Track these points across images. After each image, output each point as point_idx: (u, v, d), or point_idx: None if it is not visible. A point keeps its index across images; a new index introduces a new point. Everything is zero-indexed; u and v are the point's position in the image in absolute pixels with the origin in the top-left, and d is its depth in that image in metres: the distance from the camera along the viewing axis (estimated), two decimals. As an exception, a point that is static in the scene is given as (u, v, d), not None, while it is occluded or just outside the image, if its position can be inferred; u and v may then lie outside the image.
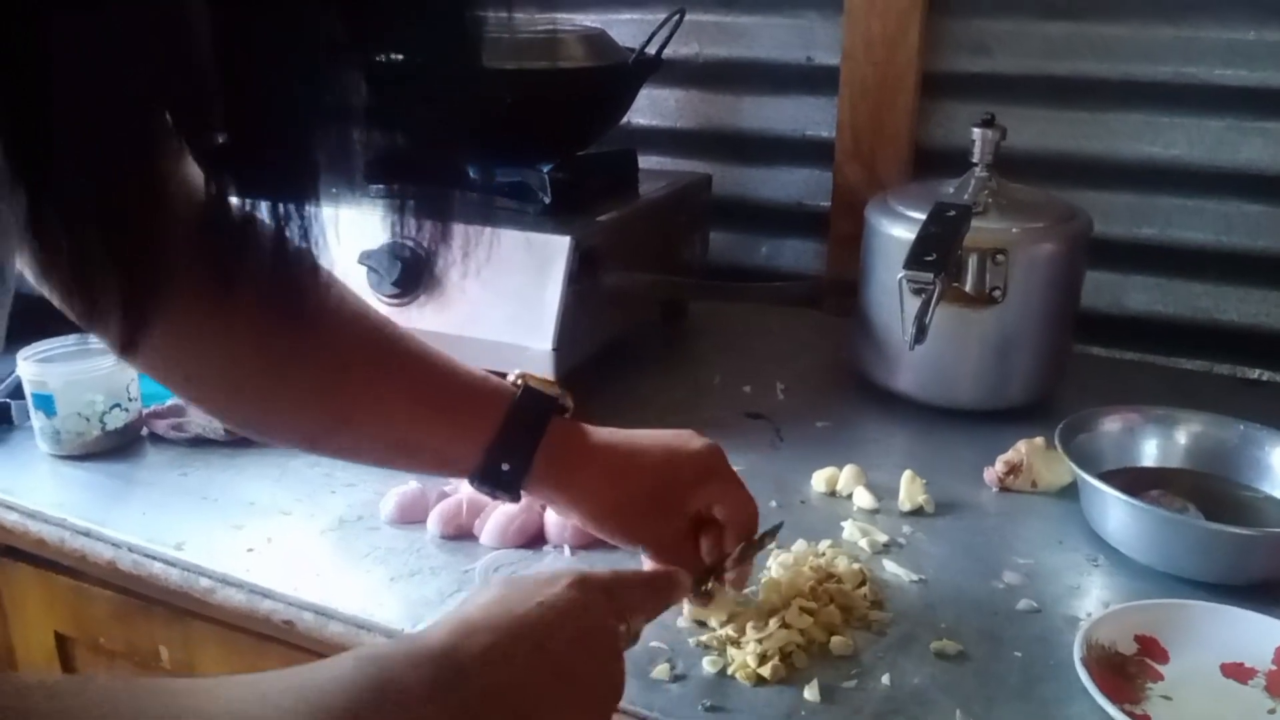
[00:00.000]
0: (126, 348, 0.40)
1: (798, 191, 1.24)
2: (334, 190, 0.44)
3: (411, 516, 0.75)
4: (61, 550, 0.74)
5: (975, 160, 0.90)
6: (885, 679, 0.59)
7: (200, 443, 0.85)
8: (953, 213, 0.80)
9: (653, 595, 0.54)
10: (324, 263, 0.43)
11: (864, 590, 0.66)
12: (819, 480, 0.79)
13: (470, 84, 0.44)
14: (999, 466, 0.80)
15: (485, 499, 0.72)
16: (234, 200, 0.40)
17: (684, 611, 0.63)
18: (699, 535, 0.64)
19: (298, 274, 0.43)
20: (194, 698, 0.36)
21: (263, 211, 0.41)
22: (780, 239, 1.27)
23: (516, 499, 0.61)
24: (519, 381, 0.62)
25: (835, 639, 0.61)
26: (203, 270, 0.43)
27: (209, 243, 0.42)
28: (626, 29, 1.17)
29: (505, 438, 0.60)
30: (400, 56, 0.42)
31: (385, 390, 0.59)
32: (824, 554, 0.69)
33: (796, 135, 1.23)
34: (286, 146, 0.40)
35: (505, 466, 0.59)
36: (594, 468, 0.61)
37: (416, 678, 0.41)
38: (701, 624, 0.63)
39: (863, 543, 0.72)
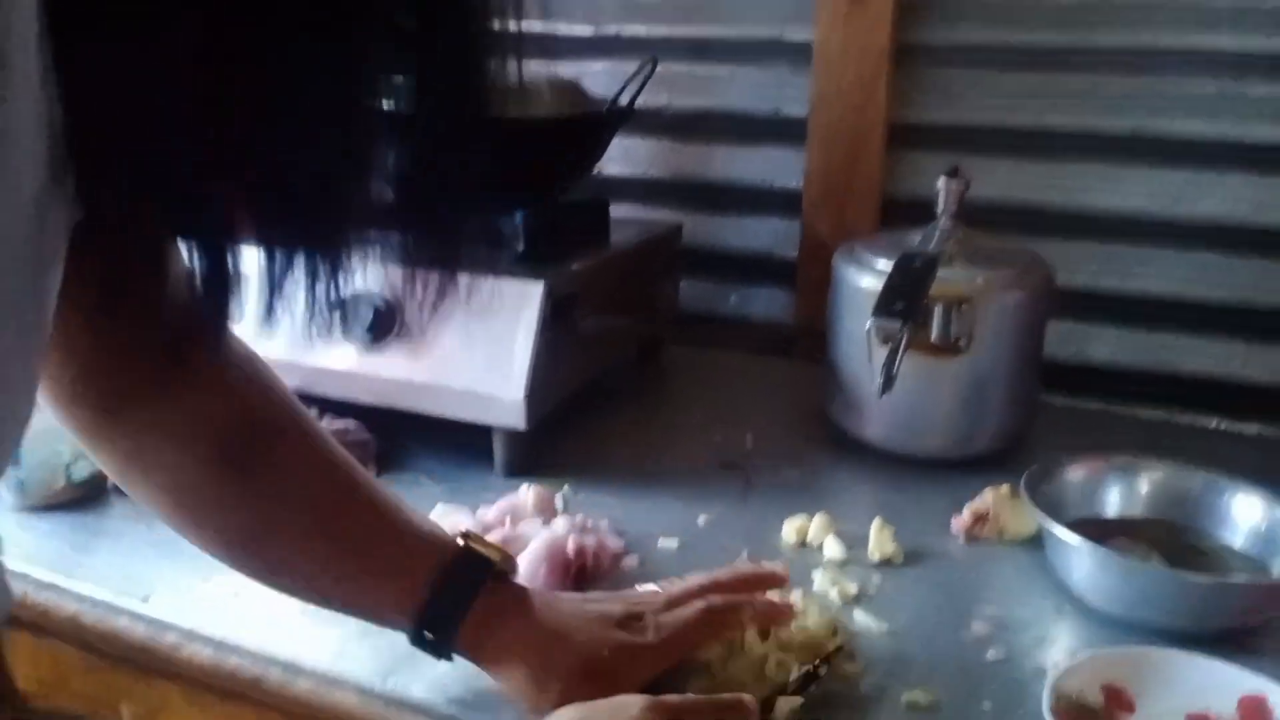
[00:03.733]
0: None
1: (767, 241, 1.26)
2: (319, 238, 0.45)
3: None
4: (24, 605, 0.73)
5: (940, 210, 0.92)
6: (856, 731, 0.59)
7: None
8: (919, 262, 0.81)
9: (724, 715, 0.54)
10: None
11: (836, 640, 0.66)
12: (789, 530, 0.80)
13: (458, 134, 0.45)
14: (966, 516, 0.80)
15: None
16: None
17: None
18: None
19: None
20: None
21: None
22: (750, 287, 1.28)
23: (450, 660, 0.60)
24: (461, 542, 0.61)
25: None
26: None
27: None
28: (598, 79, 1.18)
29: (431, 608, 0.59)
30: (394, 105, 0.43)
31: (314, 547, 0.59)
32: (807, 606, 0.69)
33: (765, 185, 1.24)
34: (297, 195, 0.41)
35: (429, 635, 0.59)
36: (530, 639, 0.59)
37: None
38: None
39: (833, 593, 0.72)
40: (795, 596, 0.70)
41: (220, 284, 0.42)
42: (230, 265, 0.42)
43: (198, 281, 0.42)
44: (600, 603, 0.64)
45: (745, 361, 1.19)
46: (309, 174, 0.41)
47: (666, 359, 1.17)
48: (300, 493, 0.59)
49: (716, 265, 1.27)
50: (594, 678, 0.58)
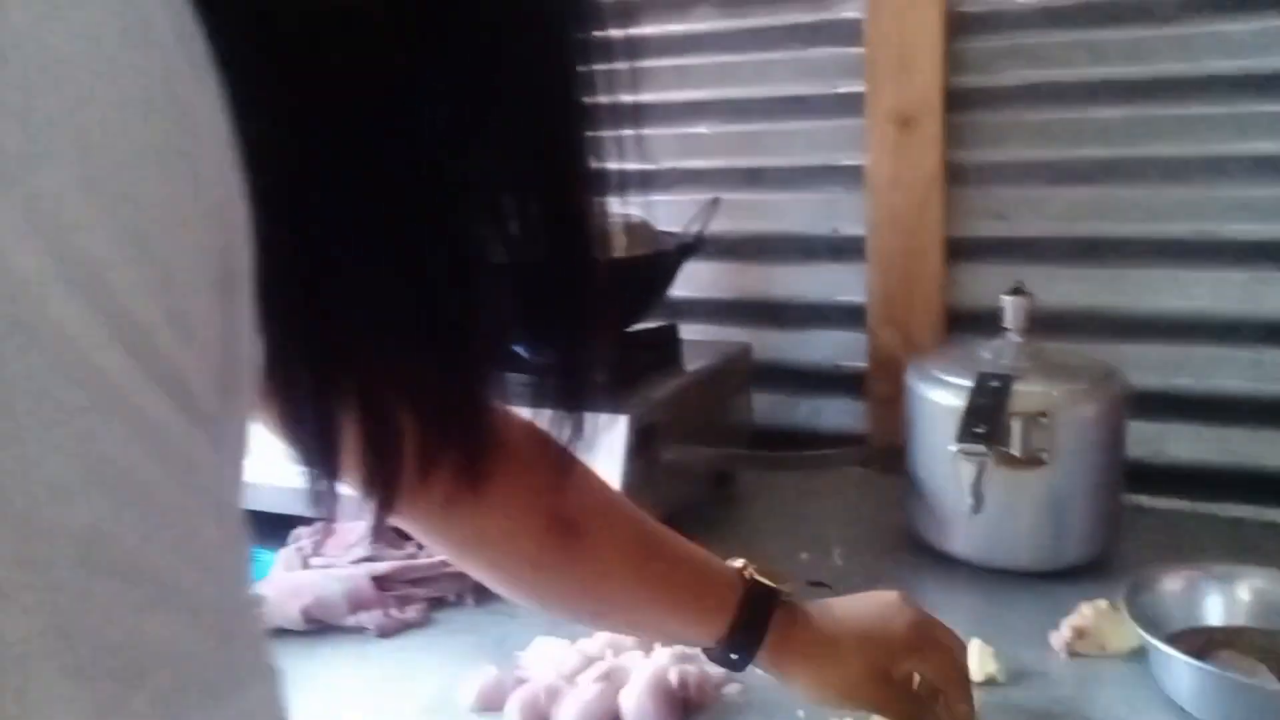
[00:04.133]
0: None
1: (833, 353, 1.29)
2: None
3: (492, 704, 0.76)
4: None
5: (1008, 326, 0.94)
6: None
7: (279, 632, 0.87)
8: (996, 383, 0.83)
9: None
10: None
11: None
12: (888, 652, 0.80)
13: (590, 275, 0.48)
14: (1066, 632, 0.80)
15: (562, 686, 0.76)
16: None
17: None
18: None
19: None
20: None
21: None
22: (819, 399, 1.30)
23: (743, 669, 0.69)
24: (746, 572, 0.70)
25: None
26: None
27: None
28: (659, 211, 1.23)
29: (734, 633, 0.67)
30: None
31: (637, 589, 0.67)
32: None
33: (827, 301, 1.27)
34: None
35: (734, 656, 0.68)
36: (812, 653, 0.68)
37: None
38: None
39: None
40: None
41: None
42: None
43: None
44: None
45: (819, 477, 1.20)
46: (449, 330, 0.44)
47: (741, 481, 1.18)
48: (618, 550, 0.67)
49: (786, 378, 1.30)
50: (873, 674, 0.67)
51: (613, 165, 0.46)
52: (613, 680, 0.77)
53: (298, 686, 0.78)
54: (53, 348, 0.23)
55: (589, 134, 0.44)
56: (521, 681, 0.77)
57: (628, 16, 0.45)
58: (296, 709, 0.73)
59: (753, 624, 0.67)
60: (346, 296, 0.42)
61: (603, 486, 0.69)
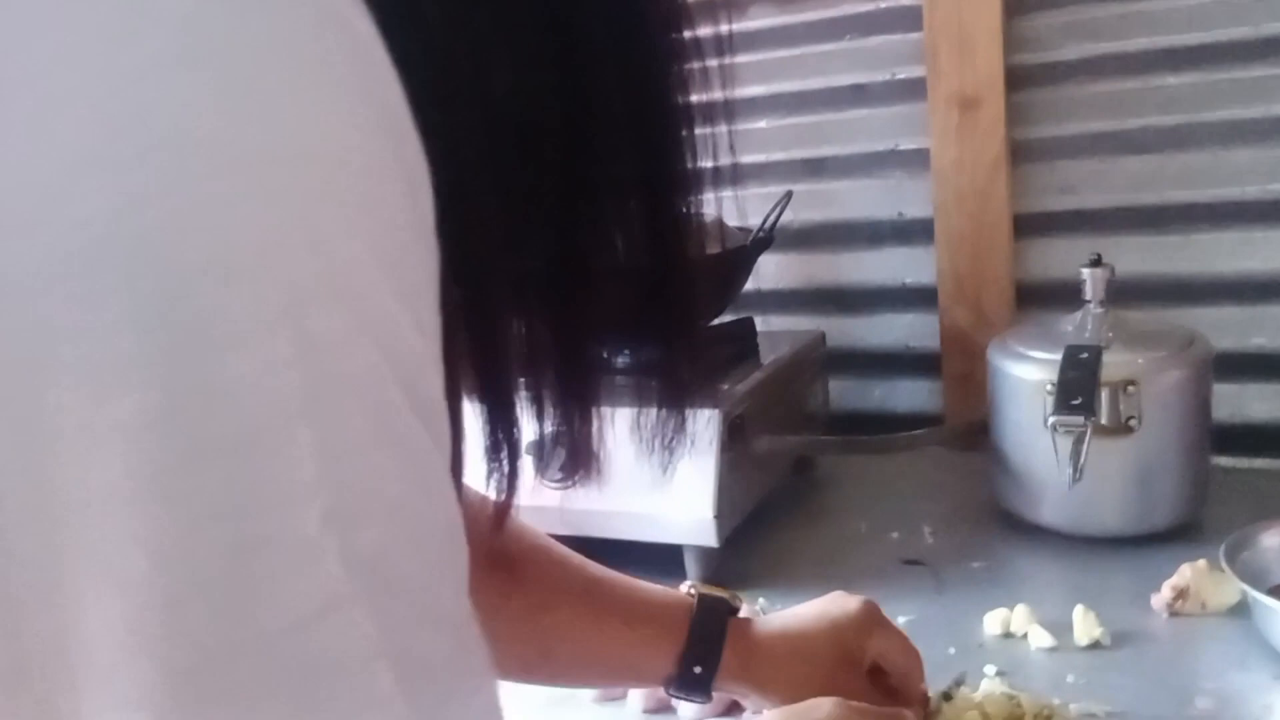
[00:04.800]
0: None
1: (904, 335, 1.30)
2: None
3: (612, 694, 0.79)
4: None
5: (1088, 298, 0.95)
6: (1107, 817, 0.61)
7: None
8: (1085, 354, 0.85)
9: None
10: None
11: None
12: (992, 622, 0.82)
13: (689, 274, 0.50)
14: (1166, 592, 0.82)
15: None
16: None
17: None
18: (876, 684, 0.69)
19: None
20: None
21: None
22: (892, 381, 1.32)
23: (709, 699, 0.68)
24: (692, 592, 0.69)
25: None
26: None
27: None
28: (727, 205, 1.26)
29: (694, 645, 0.66)
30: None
31: (584, 620, 0.66)
32: (1014, 697, 0.72)
33: (896, 284, 1.29)
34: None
35: (698, 669, 0.66)
36: (774, 655, 0.67)
37: None
38: None
39: (1047, 681, 0.75)
40: (1008, 688, 0.73)
41: (510, 455, 0.48)
42: (516, 436, 0.48)
43: (490, 455, 0.48)
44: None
45: (898, 458, 1.21)
46: (557, 325, 0.46)
47: (822, 462, 1.21)
48: (560, 582, 0.66)
49: (858, 363, 1.32)
50: (845, 664, 0.67)
51: (708, 163, 0.47)
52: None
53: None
54: (352, 391, 0.26)
55: (687, 134, 0.45)
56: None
57: (722, 12, 0.46)
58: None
59: (711, 632, 0.66)
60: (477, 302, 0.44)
61: (534, 530, 0.68)
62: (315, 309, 0.26)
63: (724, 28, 0.45)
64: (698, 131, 0.46)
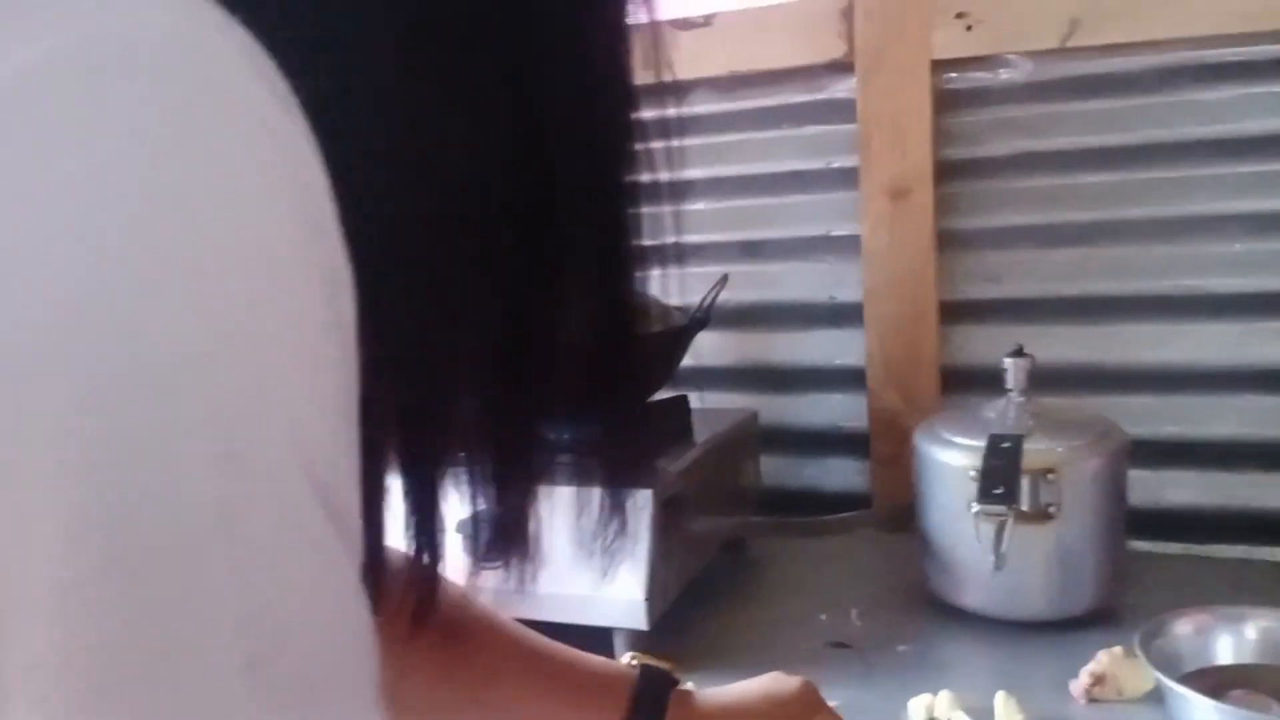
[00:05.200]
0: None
1: (835, 415, 1.33)
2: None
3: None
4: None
5: (1010, 387, 0.98)
6: None
7: None
8: (1007, 443, 0.87)
9: None
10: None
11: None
12: (917, 708, 0.83)
13: (635, 351, 0.50)
14: (1084, 679, 0.83)
15: None
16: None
17: None
18: None
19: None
20: None
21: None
22: (823, 460, 1.34)
23: None
24: (634, 663, 0.69)
25: None
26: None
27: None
28: (658, 284, 1.28)
29: (636, 715, 0.66)
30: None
31: (528, 692, 0.66)
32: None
33: (828, 365, 1.32)
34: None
35: None
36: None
37: None
38: None
39: (970, 768, 0.75)
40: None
41: (433, 539, 0.48)
42: (440, 520, 0.48)
43: (413, 539, 0.48)
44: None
45: (830, 539, 1.22)
46: (499, 408, 0.46)
47: (752, 546, 1.21)
48: (504, 651, 0.65)
49: (791, 441, 1.33)
50: None
51: (656, 242, 0.48)
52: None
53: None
54: (269, 503, 0.27)
55: (636, 212, 0.46)
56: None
57: (671, 96, 0.47)
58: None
59: (653, 703, 0.66)
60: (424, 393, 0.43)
61: (477, 600, 0.67)
62: (237, 420, 0.26)
63: (672, 110, 0.47)
64: (646, 210, 0.47)
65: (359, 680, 0.30)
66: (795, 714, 0.68)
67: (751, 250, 1.33)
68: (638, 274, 0.48)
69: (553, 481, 0.53)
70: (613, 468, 0.52)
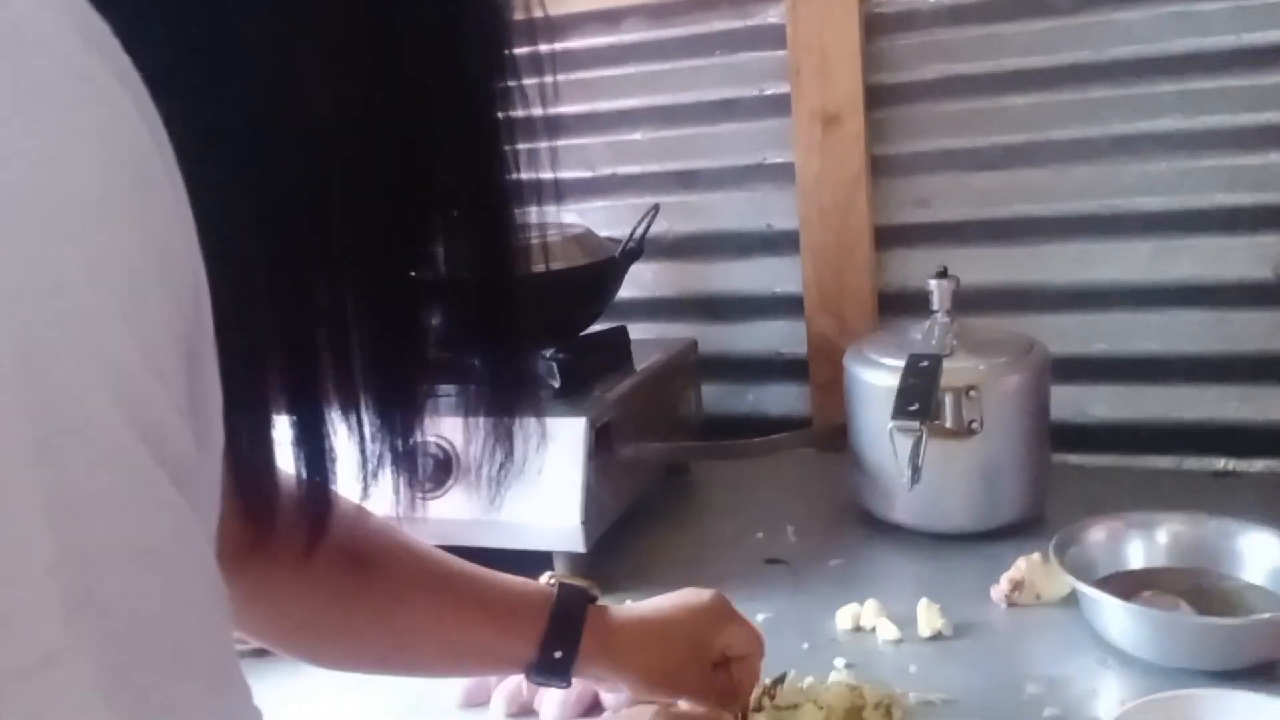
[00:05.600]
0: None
1: (774, 342, 1.35)
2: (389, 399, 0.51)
3: (476, 699, 0.80)
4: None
5: (935, 308, 1.00)
6: (936, 798, 0.65)
7: (260, 653, 0.90)
8: (926, 363, 0.89)
9: None
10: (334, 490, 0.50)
11: (898, 714, 0.72)
12: (844, 617, 0.86)
13: (513, 289, 0.51)
14: (1004, 585, 0.87)
15: None
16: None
17: None
18: (722, 674, 0.72)
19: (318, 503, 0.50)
20: None
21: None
22: (764, 385, 1.36)
23: (568, 684, 0.70)
24: (552, 582, 0.72)
25: None
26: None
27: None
28: (600, 216, 1.29)
29: (554, 631, 0.68)
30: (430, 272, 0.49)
31: (441, 612, 0.67)
32: (856, 688, 0.75)
33: (766, 293, 1.33)
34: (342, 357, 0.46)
35: (558, 654, 0.68)
36: (631, 641, 0.70)
37: None
38: None
39: (891, 671, 0.78)
40: (854, 678, 0.77)
41: (321, 468, 0.48)
42: (329, 448, 0.48)
43: (302, 467, 0.48)
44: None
45: (769, 462, 1.25)
46: (380, 345, 0.47)
47: (694, 469, 1.24)
48: (415, 574, 0.67)
49: (731, 368, 1.35)
50: (697, 651, 0.70)
51: (532, 178, 0.48)
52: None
53: (285, 699, 0.82)
54: (87, 441, 0.27)
55: (509, 149, 0.47)
56: (504, 676, 0.82)
57: (546, 33, 0.47)
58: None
59: (571, 619, 0.68)
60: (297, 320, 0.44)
61: (390, 526, 0.68)
62: (51, 357, 0.26)
63: (544, 47, 0.47)
64: (521, 147, 0.47)
65: (203, 616, 0.30)
66: (707, 623, 0.71)
67: (686, 180, 1.33)
68: (516, 211, 0.48)
69: (437, 411, 0.54)
70: (495, 400, 0.53)
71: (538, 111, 0.47)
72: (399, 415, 0.49)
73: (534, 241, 1.03)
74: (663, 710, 0.58)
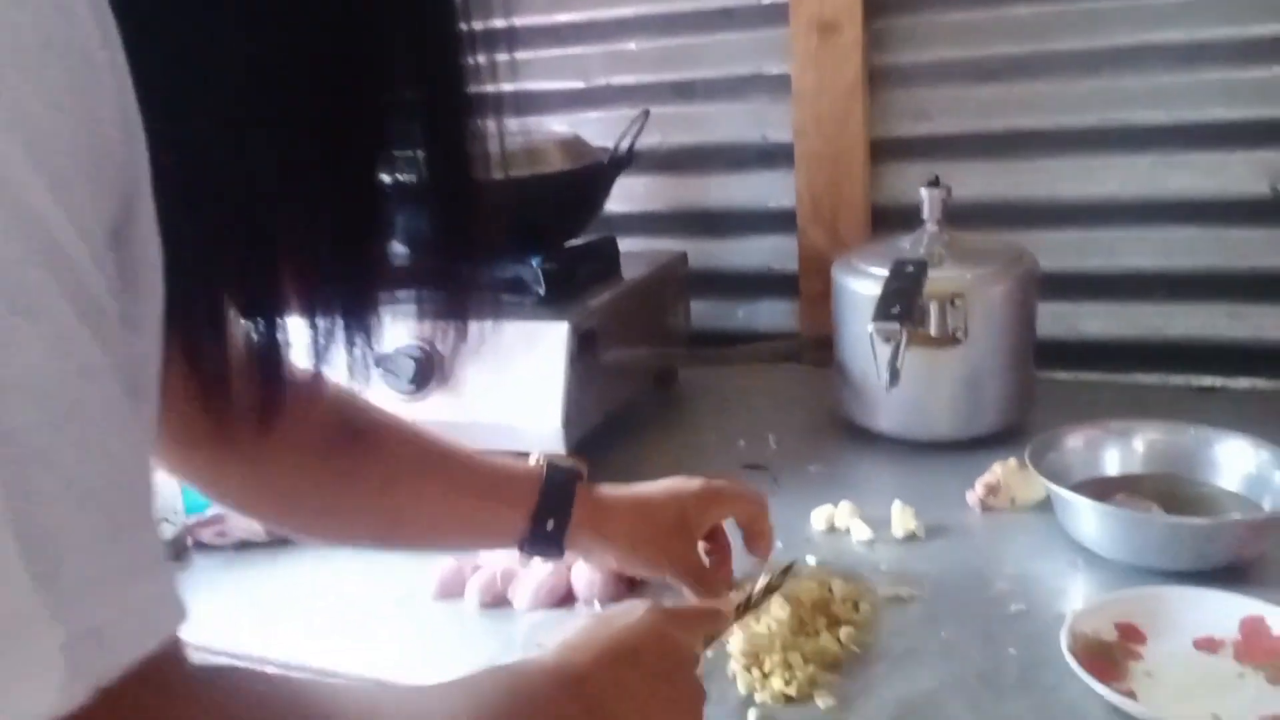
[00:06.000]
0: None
1: (766, 257, 1.34)
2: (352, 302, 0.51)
3: (452, 590, 0.81)
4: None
5: (926, 217, 1.00)
6: (896, 685, 0.66)
7: (244, 546, 0.91)
8: (911, 268, 0.88)
9: (708, 621, 0.64)
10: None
11: (865, 608, 0.73)
12: (818, 518, 0.87)
13: (471, 197, 0.51)
14: (979, 489, 0.87)
15: (516, 568, 0.80)
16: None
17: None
18: (713, 556, 0.75)
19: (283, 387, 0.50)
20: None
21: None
22: (754, 302, 1.36)
23: (561, 555, 0.72)
24: (541, 460, 0.73)
25: (844, 648, 0.69)
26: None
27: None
28: (594, 128, 1.27)
29: (546, 504, 0.71)
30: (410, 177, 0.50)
31: (432, 491, 0.69)
32: (829, 581, 0.76)
33: (759, 207, 1.32)
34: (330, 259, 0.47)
35: (550, 525, 0.71)
36: (620, 513, 0.73)
37: (543, 679, 0.51)
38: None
39: (863, 568, 0.79)
40: (826, 574, 0.77)
41: (274, 353, 0.49)
42: (282, 336, 0.48)
43: (256, 353, 0.49)
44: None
45: (756, 374, 1.25)
46: (336, 245, 0.47)
47: (682, 381, 1.24)
48: (405, 448, 0.69)
49: (722, 284, 1.35)
50: (684, 527, 0.72)
51: (491, 89, 0.48)
52: (570, 564, 0.82)
53: (266, 592, 0.83)
54: (4, 275, 0.27)
55: (470, 59, 0.46)
56: (478, 569, 0.83)
57: None
58: (269, 612, 0.78)
59: (561, 492, 0.71)
60: (253, 214, 0.44)
61: (384, 409, 0.70)
62: None
63: None
64: (481, 58, 0.47)
65: (108, 454, 0.30)
66: (694, 504, 0.73)
67: (682, 91, 1.32)
68: (475, 119, 0.48)
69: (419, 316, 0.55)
70: (451, 305, 0.53)
71: (500, 22, 0.47)
72: (357, 317, 0.49)
73: (519, 147, 1.04)
74: (656, 605, 0.59)
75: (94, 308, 0.30)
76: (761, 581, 0.71)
